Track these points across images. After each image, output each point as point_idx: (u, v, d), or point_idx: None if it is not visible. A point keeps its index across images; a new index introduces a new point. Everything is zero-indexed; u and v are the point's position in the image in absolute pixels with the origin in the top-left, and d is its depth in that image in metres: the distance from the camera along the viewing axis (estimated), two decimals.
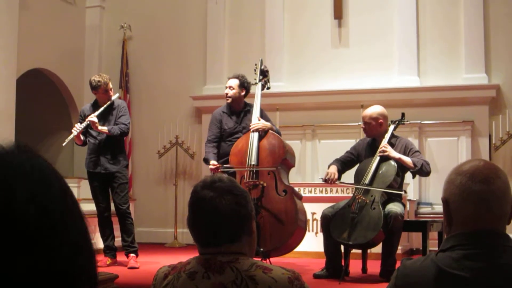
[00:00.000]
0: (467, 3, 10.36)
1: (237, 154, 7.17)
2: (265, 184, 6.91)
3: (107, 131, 7.54)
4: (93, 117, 7.50)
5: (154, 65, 11.88)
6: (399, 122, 7.04)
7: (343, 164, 7.04)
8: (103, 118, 7.65)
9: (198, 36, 11.69)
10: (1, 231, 0.83)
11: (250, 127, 7.21)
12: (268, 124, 7.26)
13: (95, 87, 7.66)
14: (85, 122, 7.55)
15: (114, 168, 7.65)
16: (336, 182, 6.85)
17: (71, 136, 7.51)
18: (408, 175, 7.05)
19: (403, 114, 7.13)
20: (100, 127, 7.51)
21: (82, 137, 7.64)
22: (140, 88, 11.95)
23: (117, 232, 7.92)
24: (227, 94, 7.53)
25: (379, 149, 6.70)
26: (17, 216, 0.84)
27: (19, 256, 0.83)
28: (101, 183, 7.70)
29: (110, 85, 7.75)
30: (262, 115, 7.37)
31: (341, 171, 7.03)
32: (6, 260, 0.82)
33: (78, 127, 7.53)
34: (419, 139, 10.24)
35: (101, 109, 7.64)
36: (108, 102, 7.67)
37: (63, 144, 7.74)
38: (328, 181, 6.82)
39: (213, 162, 7.31)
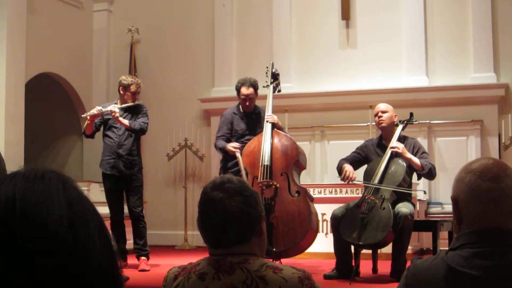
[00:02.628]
0: (475, 2, 10.34)
1: (249, 155, 7.19)
2: (278, 185, 6.92)
3: (127, 124, 7.54)
4: (116, 107, 7.52)
5: (162, 68, 11.89)
6: (407, 122, 7.03)
7: (351, 163, 7.03)
8: (126, 118, 7.66)
9: (206, 39, 11.70)
10: (41, 241, 0.90)
11: (266, 118, 7.26)
12: (279, 122, 7.34)
13: (125, 86, 7.67)
14: (107, 108, 7.54)
15: (129, 171, 7.65)
16: (354, 182, 6.86)
17: (92, 112, 7.51)
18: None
19: (411, 114, 7.12)
20: (120, 119, 7.50)
21: (93, 128, 7.65)
22: (148, 91, 11.93)
23: (129, 235, 7.93)
24: (250, 104, 7.57)
25: (390, 145, 6.69)
26: (52, 230, 0.92)
27: (50, 260, 0.90)
28: (115, 186, 7.69)
29: (140, 89, 7.79)
30: None
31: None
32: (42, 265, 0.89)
33: (99, 108, 7.53)
34: (428, 139, 10.22)
35: (126, 105, 7.66)
36: (135, 102, 7.69)
37: (82, 116, 8.08)
38: (346, 180, 6.82)
39: (232, 144, 7.33)
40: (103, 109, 7.52)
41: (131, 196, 7.69)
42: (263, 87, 7.64)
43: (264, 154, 7.06)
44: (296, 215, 6.84)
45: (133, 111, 7.75)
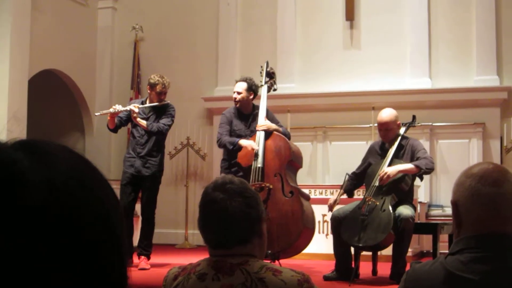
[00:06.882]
0: (479, 5, 10.33)
1: (243, 158, 7.18)
2: (271, 186, 6.91)
3: (144, 125, 7.53)
4: (136, 106, 7.51)
5: (165, 67, 11.86)
6: (409, 125, 7.03)
7: (359, 177, 7.02)
8: (150, 119, 7.65)
9: (210, 38, 11.70)
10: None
11: (256, 128, 7.23)
12: (272, 125, 7.26)
13: (152, 85, 7.66)
14: (126, 107, 7.54)
15: (148, 171, 7.62)
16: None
17: (107, 110, 7.52)
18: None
19: (414, 117, 7.12)
20: (138, 119, 7.51)
21: (116, 121, 7.61)
22: None
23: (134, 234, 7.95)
24: (235, 98, 7.51)
25: (380, 174, 6.60)
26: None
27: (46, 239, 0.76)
28: (130, 183, 7.65)
29: (167, 90, 7.74)
30: (268, 116, 7.36)
31: (356, 186, 7.11)
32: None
33: (118, 107, 7.50)
34: (430, 141, 10.22)
35: (149, 104, 7.64)
36: (159, 103, 7.65)
37: (96, 114, 8.18)
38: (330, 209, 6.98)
39: (245, 142, 7.22)
40: (121, 108, 7.49)
41: (145, 197, 7.69)
42: (258, 87, 7.59)
43: (257, 156, 7.05)
44: (289, 216, 6.81)
45: (159, 111, 7.71)
